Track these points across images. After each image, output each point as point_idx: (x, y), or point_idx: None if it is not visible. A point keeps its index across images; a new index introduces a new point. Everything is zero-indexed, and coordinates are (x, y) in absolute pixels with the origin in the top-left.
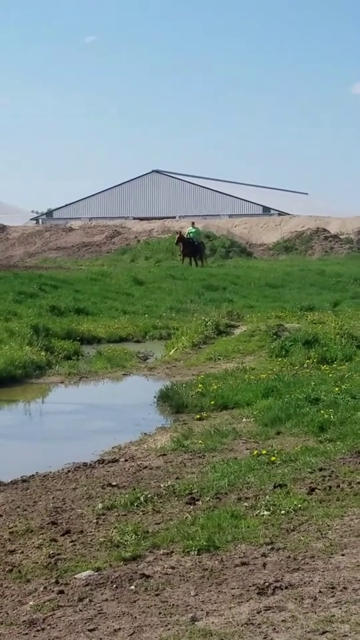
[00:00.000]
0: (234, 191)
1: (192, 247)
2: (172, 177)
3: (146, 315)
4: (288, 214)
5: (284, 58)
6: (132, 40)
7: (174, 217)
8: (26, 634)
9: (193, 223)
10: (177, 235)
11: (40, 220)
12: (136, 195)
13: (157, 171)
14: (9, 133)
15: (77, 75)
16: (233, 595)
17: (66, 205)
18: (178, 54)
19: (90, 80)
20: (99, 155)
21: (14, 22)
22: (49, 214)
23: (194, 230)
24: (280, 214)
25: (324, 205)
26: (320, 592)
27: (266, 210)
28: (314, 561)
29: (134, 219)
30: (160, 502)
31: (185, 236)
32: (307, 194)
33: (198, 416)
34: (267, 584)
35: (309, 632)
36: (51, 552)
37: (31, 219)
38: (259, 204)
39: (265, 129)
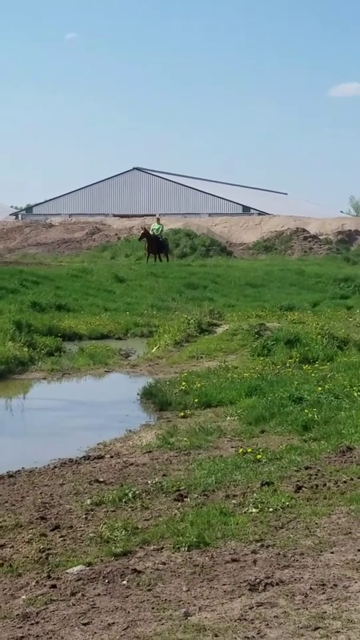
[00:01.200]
0: (214, 190)
1: (158, 244)
2: (152, 174)
3: (127, 313)
4: (268, 213)
5: (264, 60)
6: (112, 37)
7: (154, 215)
8: (20, 627)
9: (158, 219)
10: (142, 231)
11: (19, 216)
12: (117, 192)
13: (137, 169)
14: None
15: (58, 72)
16: (225, 591)
17: (46, 201)
18: (159, 51)
19: (71, 77)
20: (79, 152)
21: None
22: (29, 209)
23: (158, 226)
24: (260, 213)
25: (304, 206)
26: (311, 588)
27: (246, 209)
28: (303, 558)
29: (114, 216)
30: (149, 499)
31: (150, 232)
32: (286, 194)
33: (182, 414)
34: (258, 580)
35: (301, 627)
36: (41, 546)
37: (10, 214)
38: (239, 203)
39: (245, 130)
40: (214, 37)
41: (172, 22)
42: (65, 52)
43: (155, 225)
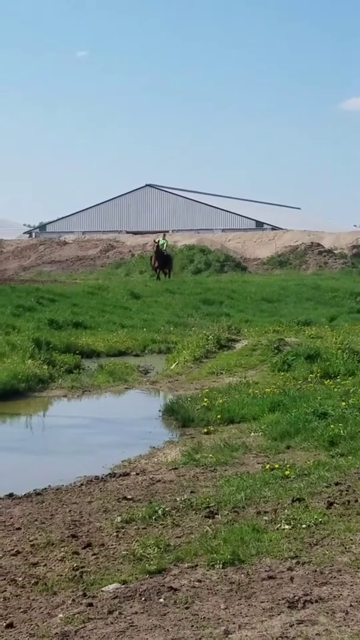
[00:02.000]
0: (227, 205)
1: (163, 259)
2: (165, 191)
3: (144, 329)
4: (281, 228)
5: (277, 75)
6: (123, 54)
7: (167, 231)
8: None
9: (164, 235)
10: (155, 248)
11: (33, 234)
12: (129, 209)
13: (150, 185)
14: (0, 147)
15: (69, 89)
16: (263, 609)
17: (59, 219)
18: (171, 69)
19: (83, 95)
20: (92, 170)
21: (3, 38)
22: (42, 227)
23: (164, 241)
24: (274, 228)
25: (317, 220)
26: (351, 605)
27: (259, 224)
28: (341, 575)
29: (127, 233)
30: (179, 516)
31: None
32: (299, 208)
33: (205, 430)
34: (296, 597)
35: None
36: (75, 564)
37: (24, 233)
38: (252, 219)
39: (258, 145)
40: (225, 53)
41: (182, 39)
42: (77, 69)
43: (161, 241)
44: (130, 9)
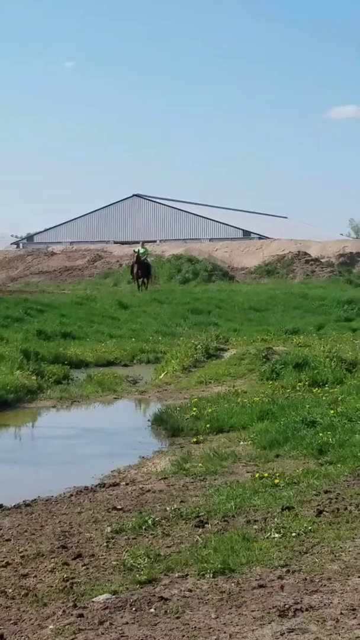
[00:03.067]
0: (214, 215)
1: (146, 269)
2: (152, 201)
3: (133, 339)
4: (268, 237)
5: (262, 83)
6: (111, 65)
7: (155, 241)
8: None
9: (143, 243)
10: (136, 256)
11: (21, 245)
12: (117, 219)
13: (137, 195)
14: None
15: (56, 100)
16: (254, 618)
17: (47, 230)
18: (156, 77)
19: (69, 105)
20: (78, 180)
21: None
22: (30, 238)
23: (144, 250)
24: (261, 237)
25: (304, 229)
26: (341, 613)
27: (246, 234)
28: (331, 583)
29: (115, 243)
30: (169, 525)
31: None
32: (286, 217)
33: (195, 439)
34: (287, 606)
35: None
36: (65, 575)
37: (12, 244)
38: (239, 228)
39: (243, 154)
40: (211, 61)
41: (169, 48)
42: (64, 80)
43: (140, 249)
44: (118, 19)
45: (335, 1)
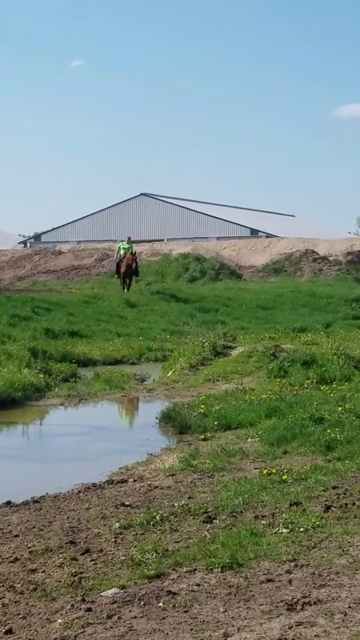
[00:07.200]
0: (222, 214)
1: (134, 268)
2: (159, 200)
3: (140, 338)
4: (276, 236)
5: (270, 82)
6: (119, 64)
7: (162, 240)
8: None
9: (129, 238)
10: (124, 254)
11: (28, 244)
12: (124, 218)
13: (145, 194)
14: None
15: (64, 99)
16: (262, 611)
17: (54, 229)
18: (165, 78)
19: (77, 104)
20: (86, 179)
21: None
22: (37, 237)
23: (128, 246)
24: (268, 236)
25: (311, 227)
26: (349, 607)
27: (254, 232)
28: (339, 577)
29: (122, 241)
30: (177, 521)
31: (121, 252)
32: (294, 216)
33: (202, 436)
34: (295, 600)
35: None
36: (73, 570)
37: (19, 243)
38: (246, 226)
39: (251, 152)
40: (219, 61)
41: (177, 47)
42: (72, 79)
43: (124, 245)
44: (126, 18)
45: (340, 0)
